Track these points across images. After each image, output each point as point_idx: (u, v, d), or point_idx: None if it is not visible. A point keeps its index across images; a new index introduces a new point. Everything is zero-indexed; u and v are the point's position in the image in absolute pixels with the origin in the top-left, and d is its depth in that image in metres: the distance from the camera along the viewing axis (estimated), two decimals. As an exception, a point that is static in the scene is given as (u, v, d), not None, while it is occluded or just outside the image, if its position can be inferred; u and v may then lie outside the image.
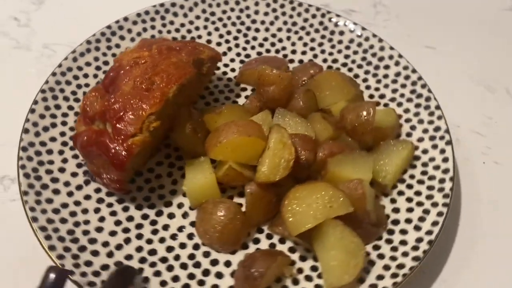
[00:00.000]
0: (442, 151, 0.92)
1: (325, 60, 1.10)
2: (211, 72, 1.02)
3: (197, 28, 1.14)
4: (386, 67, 1.06)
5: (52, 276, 0.64)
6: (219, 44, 1.13)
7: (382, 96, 1.04)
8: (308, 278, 0.81)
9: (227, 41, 1.14)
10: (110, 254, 0.81)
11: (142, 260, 0.81)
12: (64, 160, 0.90)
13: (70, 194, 0.86)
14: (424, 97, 0.99)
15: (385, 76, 1.05)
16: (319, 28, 1.13)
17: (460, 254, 0.88)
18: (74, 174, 0.89)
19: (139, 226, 0.86)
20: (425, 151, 0.94)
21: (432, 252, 0.80)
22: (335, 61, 1.10)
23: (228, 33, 1.14)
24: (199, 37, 1.13)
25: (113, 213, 0.87)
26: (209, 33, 1.14)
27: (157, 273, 0.80)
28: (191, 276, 0.80)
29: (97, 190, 0.89)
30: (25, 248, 0.83)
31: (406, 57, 1.04)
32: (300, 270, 0.82)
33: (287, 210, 0.78)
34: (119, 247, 0.82)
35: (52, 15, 1.22)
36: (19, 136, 0.90)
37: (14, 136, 0.92)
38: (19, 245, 0.84)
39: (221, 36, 1.14)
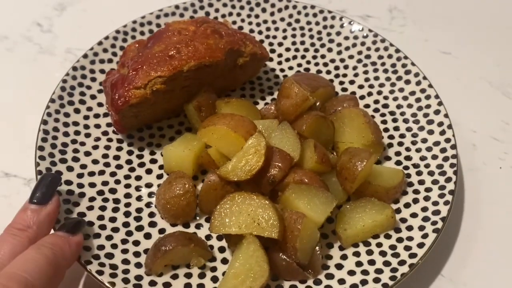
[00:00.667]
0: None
1: (376, 102, 1.06)
2: (253, 68, 1.06)
3: (276, 29, 1.18)
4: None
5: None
6: (288, 49, 1.16)
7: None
8: (213, 279, 0.82)
9: (297, 50, 1.16)
10: (80, 175, 0.93)
11: (100, 192, 0.91)
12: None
13: (75, 123, 0.99)
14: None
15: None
16: (389, 69, 1.08)
17: (476, 259, 0.89)
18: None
19: (119, 166, 0.96)
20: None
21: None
22: (385, 106, 1.05)
23: (302, 43, 1.16)
24: (274, 37, 1.17)
25: (107, 147, 0.98)
26: (284, 37, 1.17)
27: (102, 208, 0.89)
28: (125, 224, 0.88)
29: (108, 125, 1.01)
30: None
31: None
32: (213, 269, 0.83)
33: (219, 208, 0.80)
34: (91, 174, 0.94)
35: (74, 21, 1.25)
36: None
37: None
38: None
39: (293, 43, 1.17)
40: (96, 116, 1.01)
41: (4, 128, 1.06)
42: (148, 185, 0.94)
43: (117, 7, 1.28)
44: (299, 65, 1.14)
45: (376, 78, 1.08)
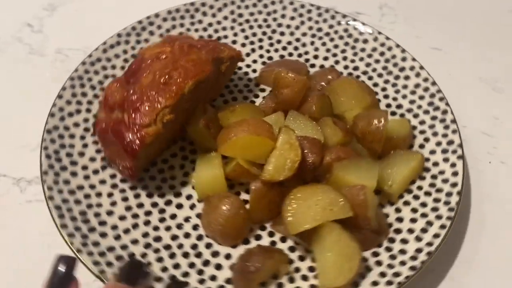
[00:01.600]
0: (453, 165, 0.91)
1: (346, 67, 1.11)
2: (231, 71, 1.06)
3: (224, 28, 1.17)
4: (406, 77, 1.06)
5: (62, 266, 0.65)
6: (243, 45, 1.16)
7: (399, 106, 1.04)
8: (304, 278, 0.82)
9: (252, 43, 1.16)
10: (117, 237, 0.85)
11: (147, 245, 0.85)
12: (85, 145, 0.95)
13: (86, 177, 0.91)
14: (441, 110, 0.99)
15: (404, 86, 1.06)
16: (344, 35, 1.14)
17: (466, 252, 0.90)
18: (92, 159, 0.94)
19: (148, 213, 0.90)
20: (435, 164, 0.94)
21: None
22: (356, 68, 1.11)
23: (254, 35, 1.17)
24: (225, 37, 1.16)
25: (125, 199, 0.91)
26: (235, 34, 1.16)
27: (160, 259, 0.84)
28: (191, 265, 0.84)
29: (112, 176, 0.93)
30: (39, 248, 0.87)
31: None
32: (297, 269, 0.84)
33: (287, 210, 0.80)
34: (126, 231, 0.86)
35: (65, 21, 1.25)
36: (36, 139, 0.95)
37: (32, 139, 0.99)
38: (32, 245, 0.88)
39: (246, 37, 1.17)
40: (95, 172, 0.93)
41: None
42: (187, 219, 0.90)
43: (108, 7, 1.29)
44: (261, 56, 1.15)
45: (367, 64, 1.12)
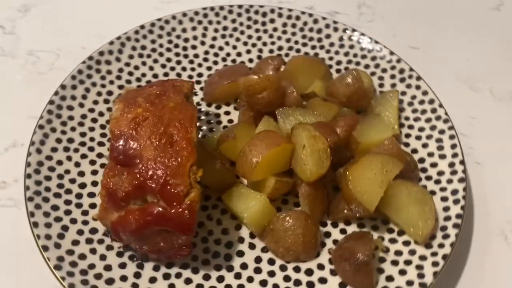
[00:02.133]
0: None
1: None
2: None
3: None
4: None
5: None
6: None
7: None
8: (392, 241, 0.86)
9: (172, 69, 1.10)
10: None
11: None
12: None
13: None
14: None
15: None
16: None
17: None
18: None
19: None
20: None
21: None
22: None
23: (169, 60, 1.10)
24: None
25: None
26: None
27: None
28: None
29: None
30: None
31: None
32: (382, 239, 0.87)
33: (357, 192, 0.82)
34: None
35: (38, 22, 1.23)
36: (4, 142, 0.99)
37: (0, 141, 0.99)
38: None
39: (163, 66, 1.09)
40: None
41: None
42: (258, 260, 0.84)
43: (82, 9, 1.26)
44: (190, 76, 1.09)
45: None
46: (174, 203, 0.74)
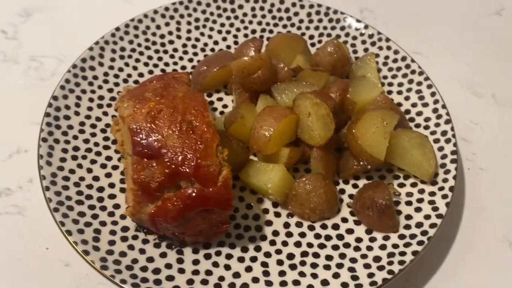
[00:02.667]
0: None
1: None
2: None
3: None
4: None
5: None
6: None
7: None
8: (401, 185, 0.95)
9: (155, 65, 1.12)
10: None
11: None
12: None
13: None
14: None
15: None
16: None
17: (448, 262, 0.90)
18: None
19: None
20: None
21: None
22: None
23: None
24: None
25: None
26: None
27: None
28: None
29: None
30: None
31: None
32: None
33: (367, 145, 0.89)
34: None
35: (40, 28, 1.24)
36: (8, 149, 1.00)
37: (3, 149, 1.00)
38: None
39: (146, 64, 1.11)
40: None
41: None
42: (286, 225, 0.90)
43: (84, 14, 1.28)
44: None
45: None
46: (210, 183, 0.77)
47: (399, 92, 1.08)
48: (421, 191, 0.92)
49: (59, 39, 1.21)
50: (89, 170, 0.92)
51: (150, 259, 0.82)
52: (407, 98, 1.07)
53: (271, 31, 1.20)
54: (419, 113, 1.04)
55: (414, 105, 1.05)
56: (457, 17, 1.34)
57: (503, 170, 1.03)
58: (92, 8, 1.30)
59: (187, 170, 0.77)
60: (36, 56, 1.18)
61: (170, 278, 0.80)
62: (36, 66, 1.16)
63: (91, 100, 1.02)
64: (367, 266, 0.83)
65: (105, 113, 1.01)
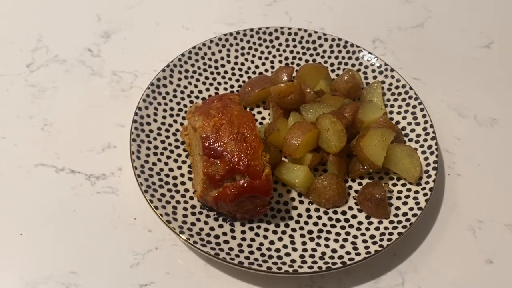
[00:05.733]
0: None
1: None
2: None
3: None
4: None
5: None
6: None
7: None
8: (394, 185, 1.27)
9: (211, 84, 1.45)
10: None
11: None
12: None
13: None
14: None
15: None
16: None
17: (426, 243, 1.20)
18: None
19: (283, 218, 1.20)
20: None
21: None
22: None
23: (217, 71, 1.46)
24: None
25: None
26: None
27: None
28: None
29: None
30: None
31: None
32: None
33: (370, 155, 1.21)
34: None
35: (118, 47, 1.55)
36: (100, 144, 1.33)
37: (97, 144, 1.32)
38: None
39: (204, 83, 1.45)
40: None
41: (70, 133, 1.35)
42: (307, 210, 1.23)
43: (150, 35, 1.61)
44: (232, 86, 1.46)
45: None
46: (256, 177, 1.11)
47: (398, 113, 1.40)
48: (409, 190, 1.24)
49: (133, 57, 1.52)
50: (166, 163, 1.26)
51: (212, 229, 1.16)
52: (404, 118, 1.38)
53: (300, 59, 1.52)
54: (412, 130, 1.35)
55: (409, 123, 1.37)
56: (452, 49, 1.63)
57: (475, 176, 1.34)
58: (158, 33, 1.61)
59: (241, 168, 1.11)
60: (117, 71, 1.49)
61: (226, 242, 1.13)
62: (117, 80, 1.47)
63: (164, 110, 1.36)
64: (364, 241, 1.15)
65: (175, 121, 1.35)
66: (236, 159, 1.12)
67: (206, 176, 1.13)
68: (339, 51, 1.51)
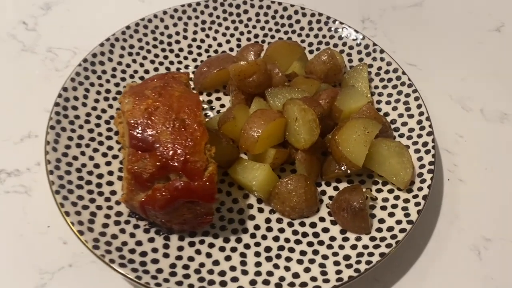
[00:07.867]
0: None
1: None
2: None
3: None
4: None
5: None
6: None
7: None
8: (379, 191, 1.01)
9: (161, 63, 1.19)
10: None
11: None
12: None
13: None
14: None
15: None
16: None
17: (418, 266, 0.95)
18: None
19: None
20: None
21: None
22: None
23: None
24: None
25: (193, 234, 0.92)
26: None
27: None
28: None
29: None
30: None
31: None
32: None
33: (346, 152, 0.95)
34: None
35: (58, 21, 1.34)
36: (19, 133, 1.09)
37: (16, 133, 1.09)
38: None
39: (152, 62, 1.19)
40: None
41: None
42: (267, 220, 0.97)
43: (98, 9, 1.38)
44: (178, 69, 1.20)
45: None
46: (196, 177, 0.84)
47: (388, 102, 1.13)
48: (397, 198, 0.98)
49: (74, 32, 1.30)
50: (91, 158, 1.00)
51: (139, 243, 0.90)
52: (394, 109, 1.12)
53: (272, 37, 1.26)
54: (404, 124, 1.09)
55: (400, 115, 1.10)
56: (456, 32, 1.38)
57: (481, 182, 1.08)
58: (108, 5, 1.38)
59: (176, 164, 0.85)
60: (53, 47, 1.27)
61: (154, 261, 0.87)
62: (51, 57, 1.25)
63: (98, 93, 1.10)
64: (336, 263, 0.89)
65: (110, 106, 1.09)
66: (170, 153, 0.85)
67: (131, 174, 0.87)
68: (319, 29, 1.25)
